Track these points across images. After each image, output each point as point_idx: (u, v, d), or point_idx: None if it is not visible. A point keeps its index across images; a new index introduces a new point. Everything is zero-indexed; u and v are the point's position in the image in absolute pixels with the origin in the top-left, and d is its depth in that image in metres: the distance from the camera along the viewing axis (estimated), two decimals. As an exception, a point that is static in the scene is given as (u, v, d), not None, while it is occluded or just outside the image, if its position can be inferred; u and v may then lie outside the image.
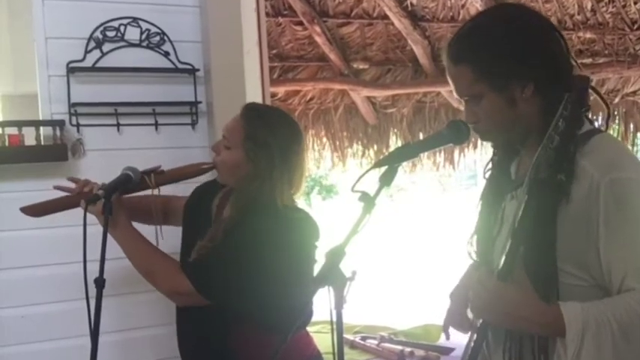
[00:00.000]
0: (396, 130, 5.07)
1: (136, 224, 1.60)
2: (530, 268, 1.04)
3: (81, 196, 1.56)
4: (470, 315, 1.19)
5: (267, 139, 1.51)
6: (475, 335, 1.10)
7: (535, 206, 1.02)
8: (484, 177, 1.25)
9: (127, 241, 1.54)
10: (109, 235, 1.49)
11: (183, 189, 1.75)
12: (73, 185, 1.65)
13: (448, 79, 1.17)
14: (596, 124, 1.15)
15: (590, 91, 1.11)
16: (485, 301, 1.07)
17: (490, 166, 1.24)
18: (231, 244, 1.46)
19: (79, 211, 1.52)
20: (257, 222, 1.47)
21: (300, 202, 1.64)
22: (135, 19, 2.04)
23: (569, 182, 1.02)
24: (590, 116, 1.14)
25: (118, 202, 1.54)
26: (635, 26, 4.56)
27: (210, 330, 1.52)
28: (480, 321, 1.10)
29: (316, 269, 1.15)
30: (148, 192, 1.63)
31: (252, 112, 1.58)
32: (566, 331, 0.99)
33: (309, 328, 1.62)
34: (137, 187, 1.61)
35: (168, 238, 1.69)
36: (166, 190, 1.68)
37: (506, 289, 1.04)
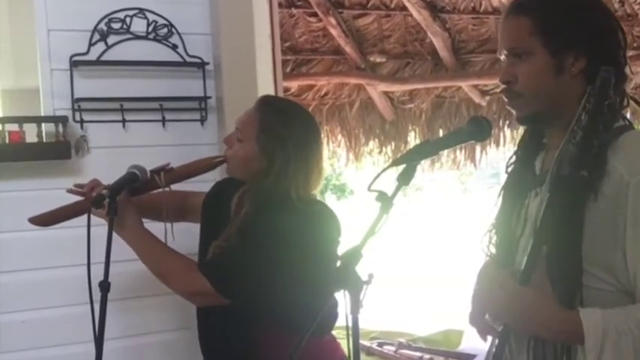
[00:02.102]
0: (414, 127, 4.97)
1: (148, 224, 1.55)
2: (553, 270, 1.01)
3: (89, 201, 1.52)
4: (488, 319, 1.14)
5: (283, 134, 1.48)
6: (497, 340, 1.06)
7: (558, 204, 0.99)
8: (506, 172, 1.22)
9: (138, 242, 1.51)
10: (119, 237, 1.47)
11: (198, 187, 1.71)
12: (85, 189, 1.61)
13: (498, 34, 1.15)
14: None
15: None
16: (502, 305, 1.05)
17: (513, 159, 1.21)
18: (248, 240, 1.43)
19: (84, 213, 1.49)
20: (273, 217, 1.44)
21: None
22: (141, 10, 2.00)
23: (597, 179, 1.00)
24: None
25: (126, 202, 1.50)
26: (666, 17, 4.40)
27: (232, 330, 1.49)
28: (502, 326, 1.05)
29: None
30: (159, 191, 1.59)
31: (267, 105, 1.55)
32: (585, 340, 0.97)
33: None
34: (147, 187, 1.57)
35: (180, 238, 1.64)
36: (179, 186, 1.65)
37: (525, 293, 1.02)
